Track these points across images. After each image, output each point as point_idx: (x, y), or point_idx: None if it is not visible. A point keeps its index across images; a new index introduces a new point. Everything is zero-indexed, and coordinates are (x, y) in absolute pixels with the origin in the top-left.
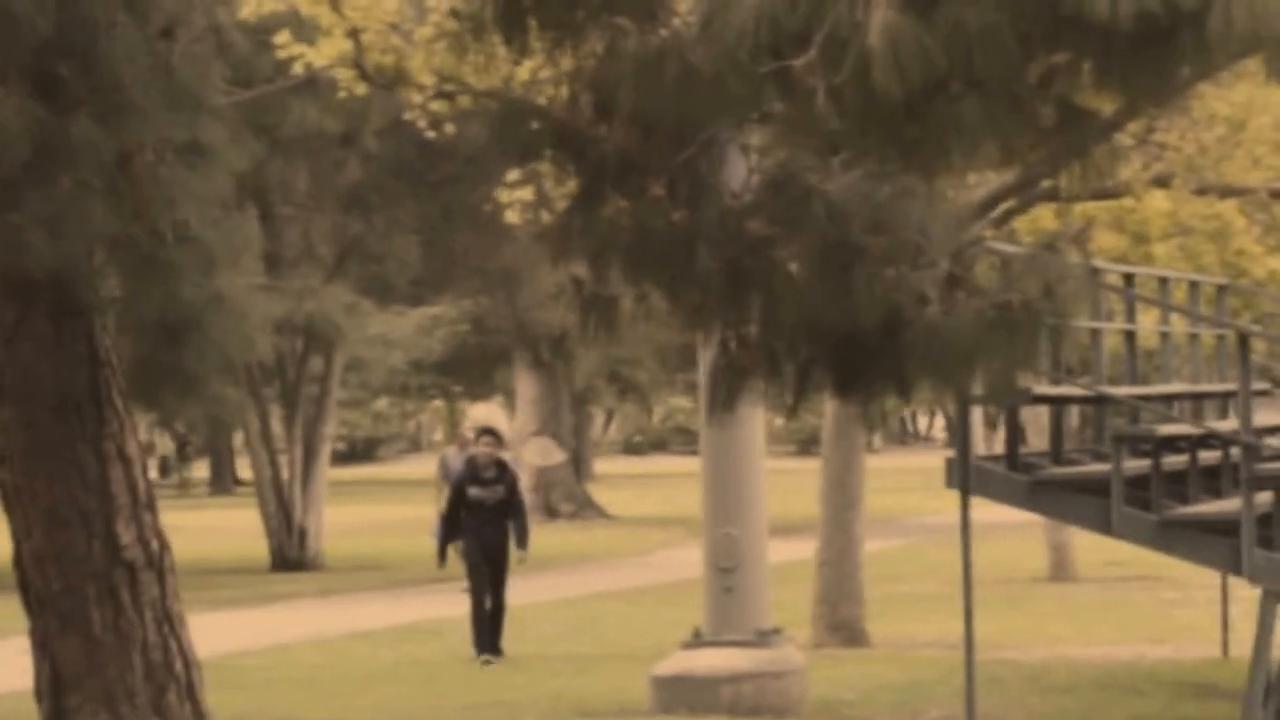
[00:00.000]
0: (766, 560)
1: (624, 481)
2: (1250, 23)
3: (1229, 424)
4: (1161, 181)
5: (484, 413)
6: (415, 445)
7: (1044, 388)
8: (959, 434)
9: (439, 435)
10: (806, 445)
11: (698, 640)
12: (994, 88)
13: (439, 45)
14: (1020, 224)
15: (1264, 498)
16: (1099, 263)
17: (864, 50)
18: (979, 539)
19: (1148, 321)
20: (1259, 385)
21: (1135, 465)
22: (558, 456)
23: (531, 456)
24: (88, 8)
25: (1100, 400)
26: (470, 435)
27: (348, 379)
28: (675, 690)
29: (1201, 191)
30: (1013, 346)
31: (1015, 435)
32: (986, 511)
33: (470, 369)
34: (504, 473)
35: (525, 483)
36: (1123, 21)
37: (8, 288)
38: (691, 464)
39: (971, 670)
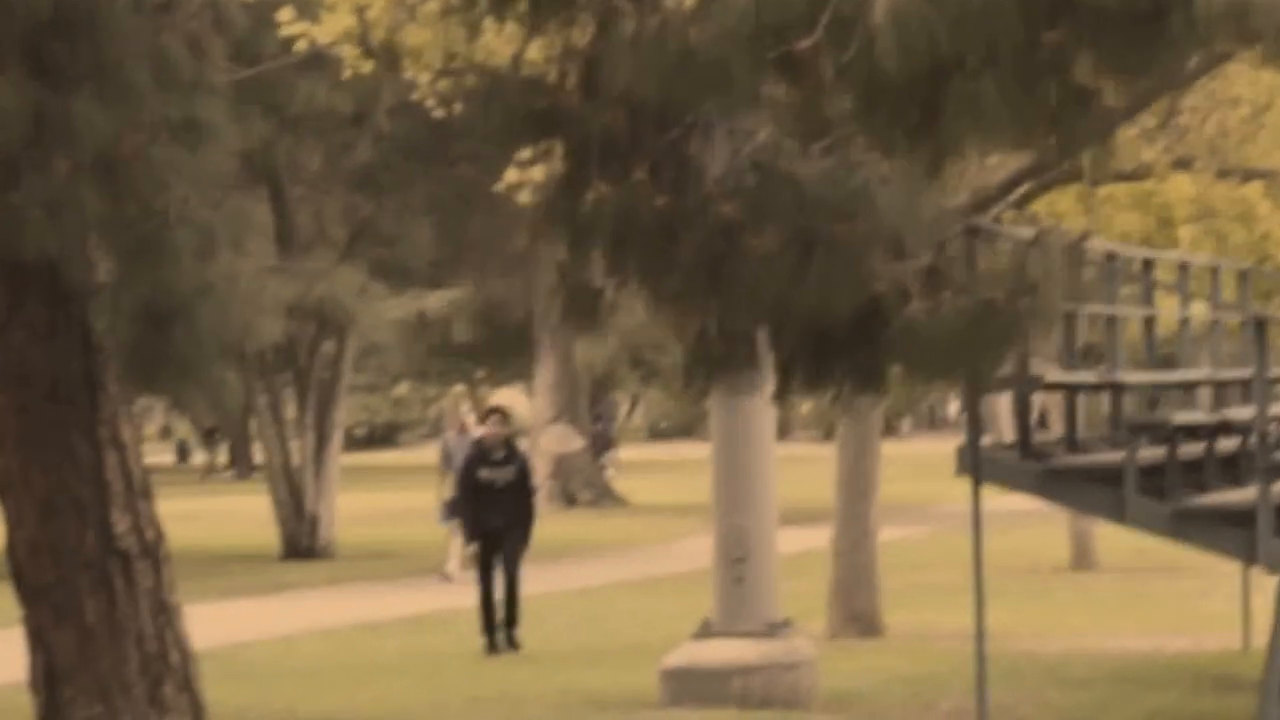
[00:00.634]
0: (777, 550)
1: (647, 468)
2: (1237, 5)
3: (1248, 412)
4: (1183, 164)
5: (506, 399)
6: (436, 431)
7: (1057, 374)
8: (969, 421)
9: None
10: (833, 430)
11: (707, 631)
12: (1004, 68)
13: (449, 21)
14: (1039, 206)
15: (1277, 487)
16: (1117, 247)
17: (869, 30)
18: (1002, 527)
19: (1168, 307)
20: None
21: (1152, 454)
22: (576, 443)
23: (550, 443)
24: None
25: (1114, 388)
26: (469, 420)
27: (366, 363)
28: (684, 682)
29: (1224, 174)
30: (994, 343)
31: (1027, 422)
32: (1011, 499)
33: (490, 354)
34: (513, 454)
35: (542, 470)
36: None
37: (1, 272)
38: None
39: (982, 662)
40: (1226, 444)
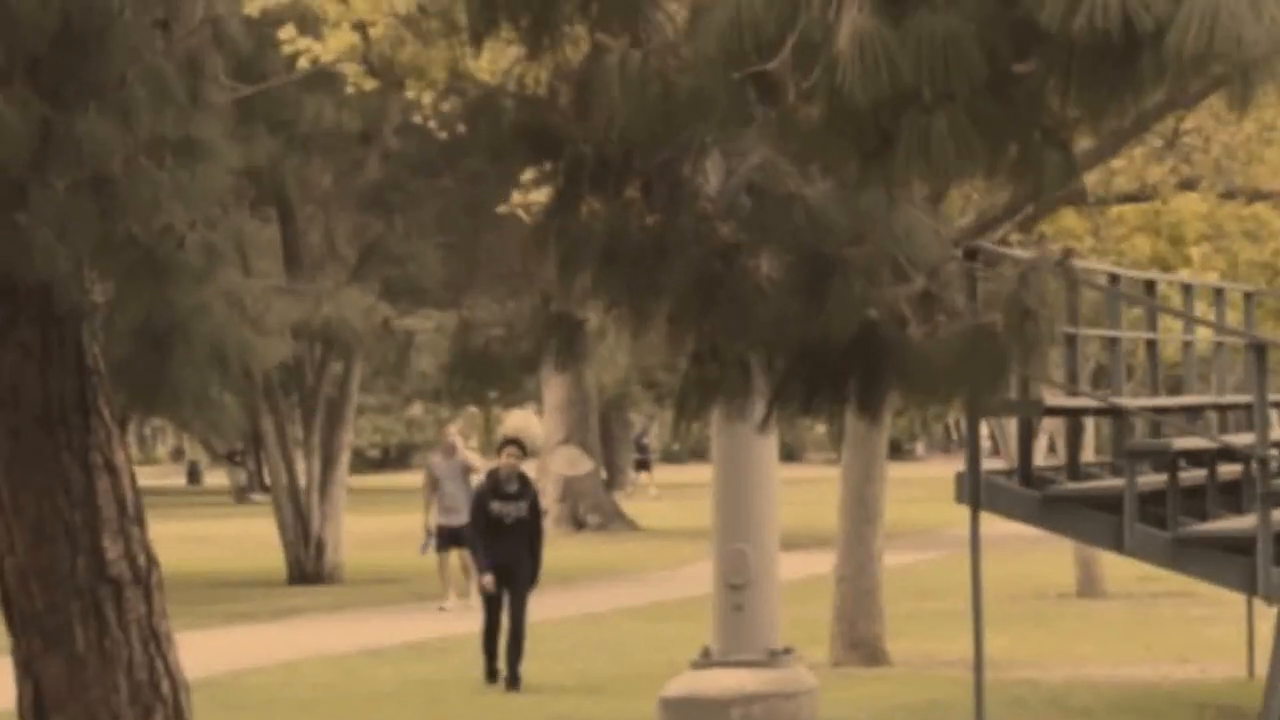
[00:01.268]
0: (778, 577)
1: (659, 490)
2: (1207, 46)
3: (1249, 437)
4: (1189, 184)
5: (519, 421)
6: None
7: (1058, 399)
8: (969, 447)
9: (475, 442)
10: None
11: (707, 660)
12: (959, 102)
13: (450, 40)
14: (1045, 227)
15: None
16: (1120, 270)
17: (833, 55)
18: (1009, 552)
19: (1172, 329)
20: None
21: (1153, 480)
22: (586, 466)
23: (559, 466)
24: (91, 2)
25: (1115, 412)
26: (456, 440)
27: (376, 384)
28: (684, 712)
29: (1230, 194)
30: (991, 368)
31: (1028, 448)
32: (1019, 523)
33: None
34: (526, 487)
35: (551, 493)
36: (1076, 35)
37: None
38: None
39: (980, 692)
40: (1229, 470)
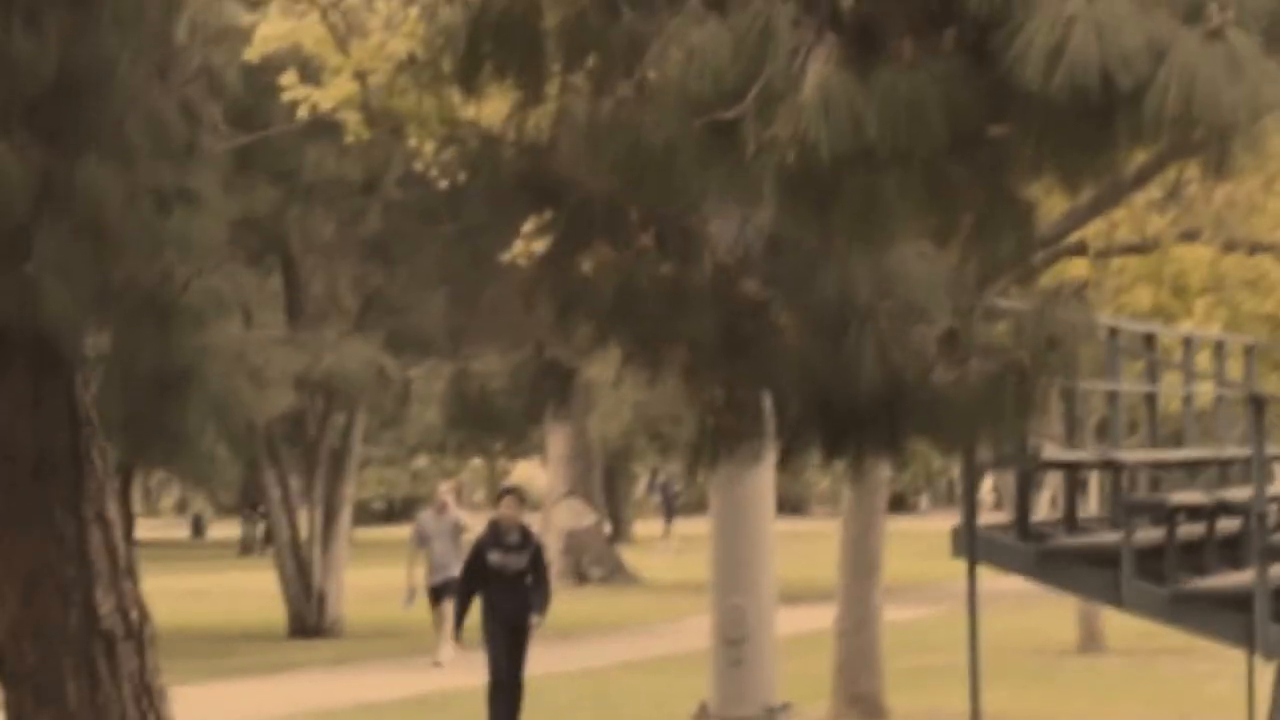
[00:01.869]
0: (775, 632)
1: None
2: (1185, 109)
3: (1247, 492)
4: (1190, 236)
5: (525, 474)
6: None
7: (1054, 453)
8: (965, 501)
9: (479, 494)
10: None
11: (704, 715)
12: (919, 163)
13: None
14: (1049, 278)
15: (1279, 570)
16: (1119, 321)
17: (797, 106)
18: (1010, 607)
19: (1171, 382)
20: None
21: (1151, 535)
22: (589, 518)
23: (562, 518)
24: (90, 50)
25: (1113, 466)
26: (448, 498)
27: (381, 436)
28: None
29: (1230, 247)
30: (1018, 407)
31: (1025, 501)
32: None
33: (507, 426)
34: (528, 538)
35: (554, 546)
36: (1055, 94)
37: None
38: None
39: None
40: (1227, 525)
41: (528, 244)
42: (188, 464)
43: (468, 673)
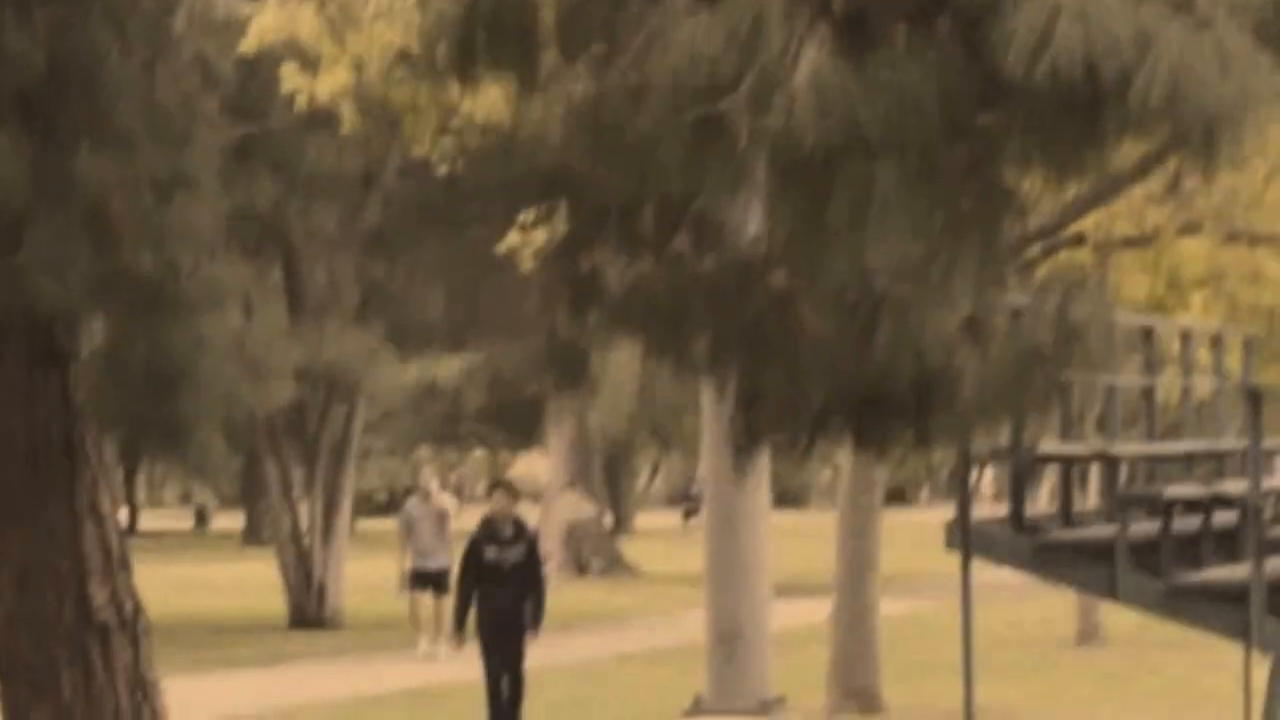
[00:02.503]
0: (770, 627)
1: (660, 535)
2: (1171, 99)
3: (1244, 485)
4: (1191, 229)
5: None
6: (458, 496)
7: (1049, 446)
8: (960, 493)
9: (481, 487)
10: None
11: (699, 709)
12: (910, 154)
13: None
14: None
15: (1276, 563)
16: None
17: (790, 96)
18: (1009, 599)
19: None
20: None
21: (1147, 528)
22: (589, 511)
23: (562, 511)
24: (81, 40)
25: (1107, 460)
26: (432, 486)
27: (383, 428)
28: None
29: (1231, 239)
30: (1040, 392)
31: (1020, 495)
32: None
33: (506, 419)
34: (522, 532)
35: (555, 538)
36: (1040, 83)
37: None
38: None
39: None
40: (1224, 518)
41: (524, 235)
42: (186, 456)
43: (468, 665)
